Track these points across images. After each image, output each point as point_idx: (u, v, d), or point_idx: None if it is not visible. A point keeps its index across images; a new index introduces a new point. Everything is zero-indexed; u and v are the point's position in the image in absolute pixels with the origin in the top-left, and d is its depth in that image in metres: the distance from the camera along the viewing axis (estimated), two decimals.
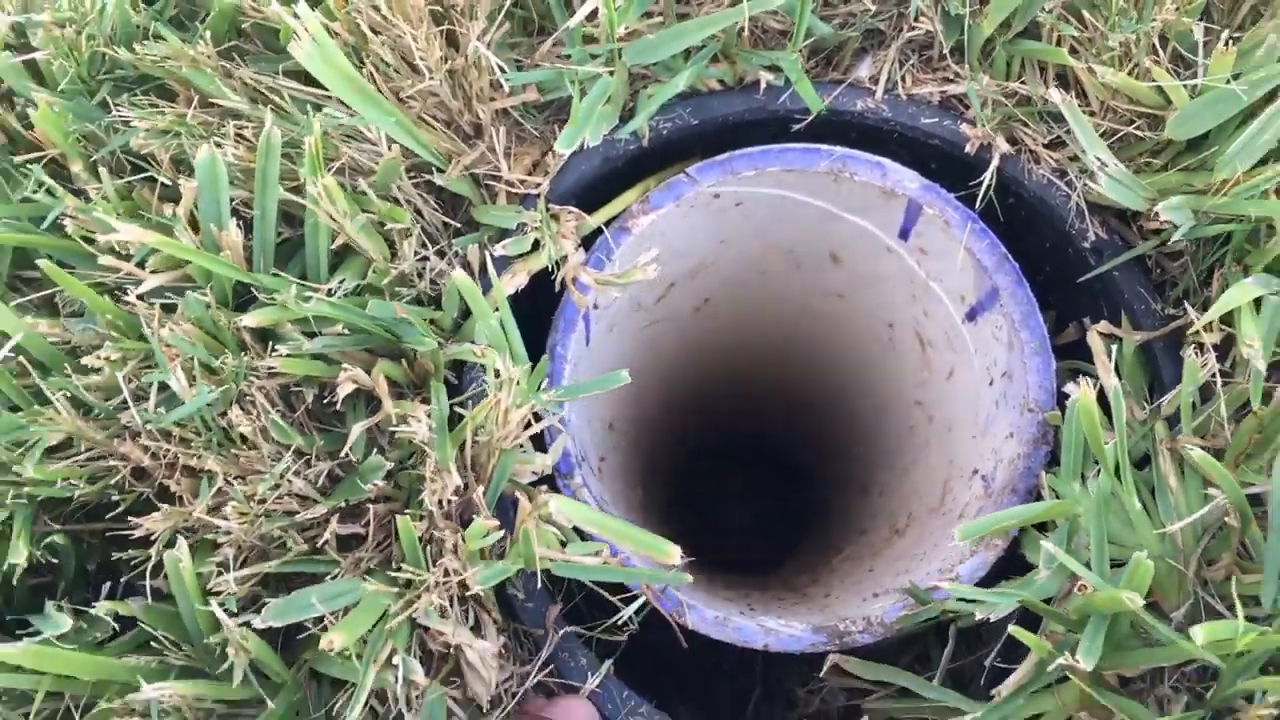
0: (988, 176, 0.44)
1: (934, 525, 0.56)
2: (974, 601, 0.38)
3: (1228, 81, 0.38)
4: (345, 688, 0.35)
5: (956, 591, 0.38)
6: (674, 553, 0.38)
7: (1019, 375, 0.46)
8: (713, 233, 0.55)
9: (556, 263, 0.43)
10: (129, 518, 0.37)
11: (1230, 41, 0.40)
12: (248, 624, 0.34)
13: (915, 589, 0.42)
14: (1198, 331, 0.40)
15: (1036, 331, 0.45)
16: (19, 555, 0.35)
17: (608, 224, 0.46)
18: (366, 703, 0.34)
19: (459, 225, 0.43)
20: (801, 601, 0.58)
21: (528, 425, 0.40)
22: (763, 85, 0.45)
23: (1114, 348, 0.44)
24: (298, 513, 0.35)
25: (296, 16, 0.35)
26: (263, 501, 0.35)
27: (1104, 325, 0.45)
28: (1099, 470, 0.39)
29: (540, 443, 0.43)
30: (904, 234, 0.51)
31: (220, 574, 0.35)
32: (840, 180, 0.47)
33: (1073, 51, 0.41)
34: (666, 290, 0.61)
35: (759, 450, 0.86)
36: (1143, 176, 0.41)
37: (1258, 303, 0.38)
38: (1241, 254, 0.39)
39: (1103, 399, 0.41)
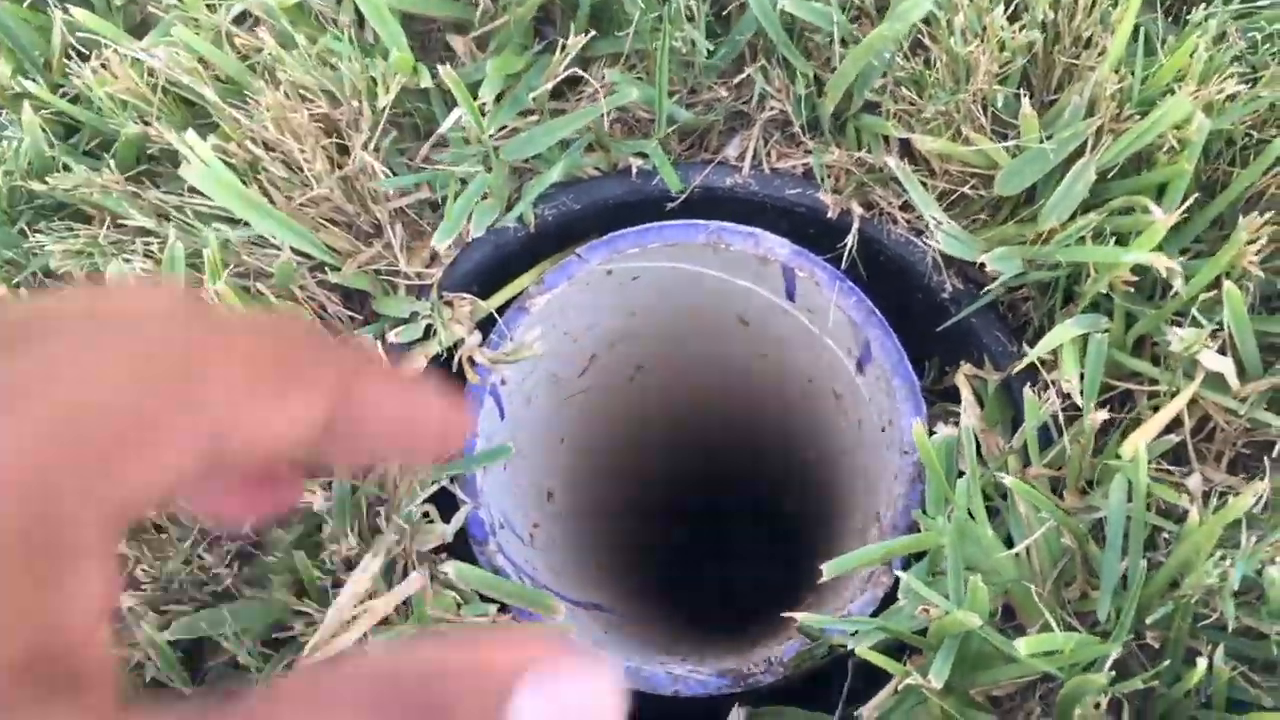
0: (850, 239, 0.48)
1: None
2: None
3: (1040, 141, 0.42)
4: None
5: (819, 623, 0.41)
6: (559, 607, 0.41)
7: (897, 421, 0.49)
8: (619, 306, 0.58)
9: (451, 347, 0.46)
10: None
11: (1043, 105, 0.44)
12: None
13: (805, 625, 0.45)
14: (1040, 369, 0.43)
15: (906, 379, 0.49)
16: None
17: (506, 305, 0.50)
18: None
19: (363, 318, 0.47)
20: (731, 647, 0.60)
21: (431, 499, 0.43)
22: (634, 170, 0.49)
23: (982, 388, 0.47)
24: (208, 584, 0.39)
25: (188, 145, 0.39)
26: (171, 577, 0.38)
27: (968, 368, 0.48)
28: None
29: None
30: (790, 296, 0.54)
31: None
32: (719, 251, 0.51)
33: (906, 123, 0.45)
34: (589, 361, 0.65)
35: (708, 509, 0.88)
36: (978, 232, 0.45)
37: (1086, 340, 0.41)
38: (1070, 296, 0.43)
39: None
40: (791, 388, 0.70)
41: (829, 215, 0.49)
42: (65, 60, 0.45)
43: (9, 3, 0.46)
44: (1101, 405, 0.44)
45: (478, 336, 0.47)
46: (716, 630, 0.65)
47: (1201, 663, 0.34)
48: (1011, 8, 0.43)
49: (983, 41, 0.42)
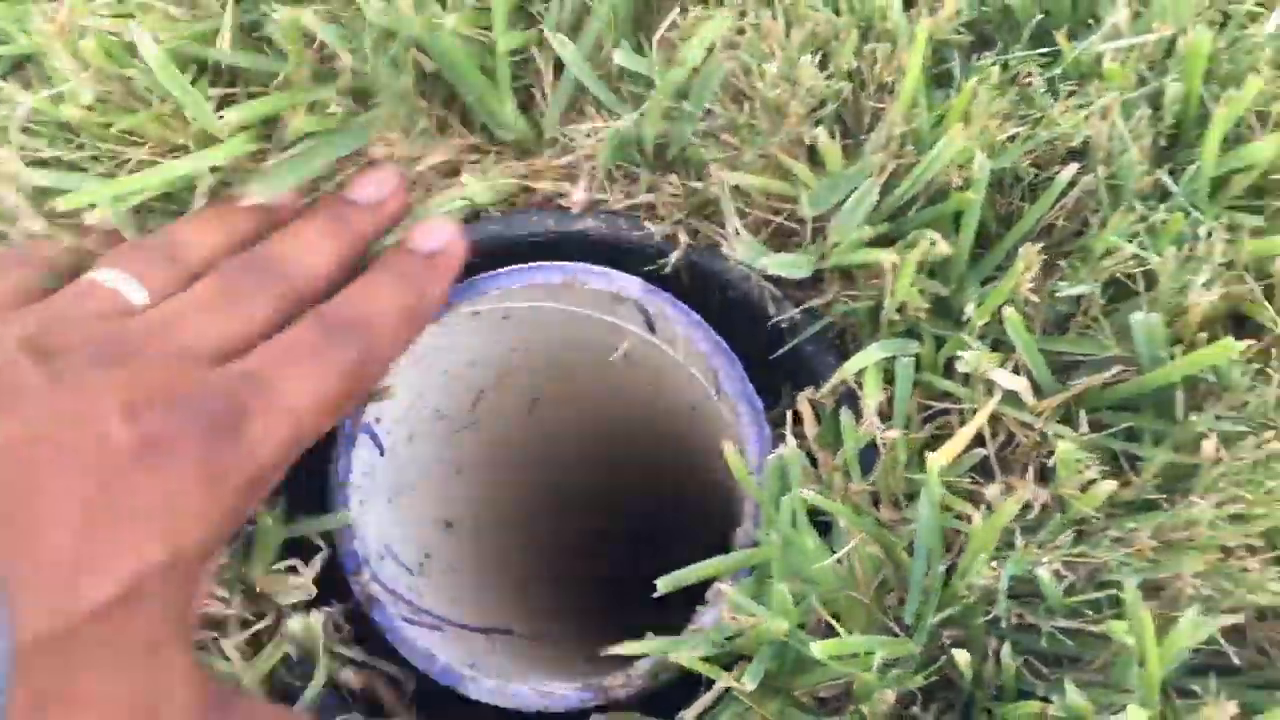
0: (671, 261, 0.52)
1: None
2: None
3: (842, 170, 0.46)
4: None
5: (651, 649, 0.44)
6: None
7: (744, 444, 0.53)
8: (498, 344, 0.62)
9: None
10: None
11: (855, 144, 0.48)
12: None
13: (660, 641, 0.48)
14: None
15: (750, 405, 0.52)
16: None
17: None
18: None
19: None
20: (617, 665, 0.63)
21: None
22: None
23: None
24: None
25: None
26: None
27: (809, 392, 0.51)
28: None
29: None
30: (651, 329, 0.58)
31: None
32: (577, 290, 0.54)
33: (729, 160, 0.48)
34: (478, 397, 0.68)
35: (610, 531, 0.92)
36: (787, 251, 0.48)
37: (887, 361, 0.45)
38: (875, 324, 0.47)
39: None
40: (679, 417, 0.73)
41: (663, 247, 0.52)
42: None
43: None
44: (925, 423, 0.47)
45: None
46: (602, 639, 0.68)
47: (961, 655, 0.38)
48: (820, 56, 0.47)
49: (794, 86, 0.46)
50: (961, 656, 0.38)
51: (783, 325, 0.52)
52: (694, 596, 0.52)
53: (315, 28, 0.47)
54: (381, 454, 0.56)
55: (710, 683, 0.44)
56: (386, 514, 0.58)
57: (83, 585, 0.29)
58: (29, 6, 0.51)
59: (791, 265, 0.46)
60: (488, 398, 0.68)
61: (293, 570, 0.46)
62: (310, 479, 0.50)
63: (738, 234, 0.47)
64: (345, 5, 0.48)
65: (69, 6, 0.46)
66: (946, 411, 0.47)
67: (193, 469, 0.33)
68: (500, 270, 0.54)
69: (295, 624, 0.44)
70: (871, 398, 0.44)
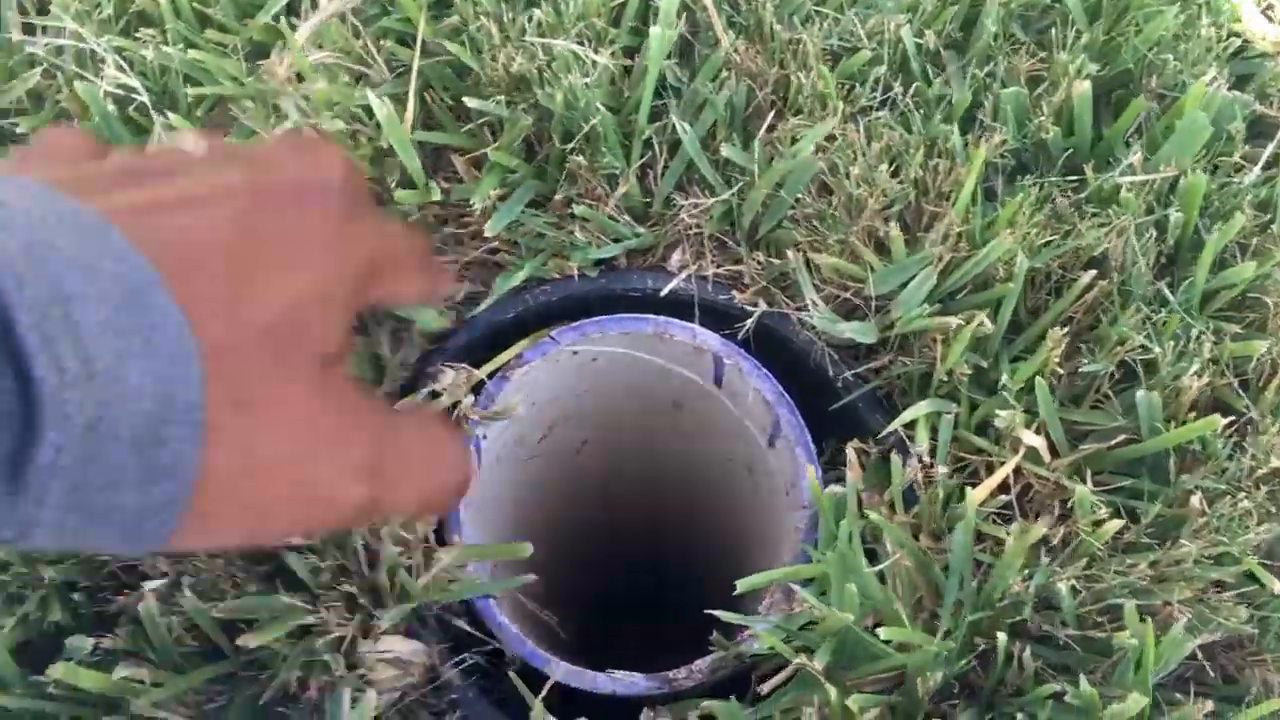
0: (748, 324, 0.61)
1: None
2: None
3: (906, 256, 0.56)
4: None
5: (733, 619, 0.52)
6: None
7: (799, 483, 0.62)
8: (579, 383, 0.71)
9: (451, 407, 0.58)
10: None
11: (914, 239, 0.58)
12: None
13: (719, 638, 0.57)
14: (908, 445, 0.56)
15: (806, 449, 0.62)
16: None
17: (492, 375, 0.62)
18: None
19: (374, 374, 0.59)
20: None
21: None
22: (576, 276, 0.62)
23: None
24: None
25: None
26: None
27: (856, 443, 0.61)
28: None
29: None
30: (718, 381, 0.67)
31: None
32: (664, 340, 0.64)
33: (811, 243, 0.58)
34: (549, 430, 0.77)
35: (644, 564, 1.00)
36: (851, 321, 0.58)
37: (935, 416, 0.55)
38: (925, 380, 0.57)
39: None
40: (714, 466, 0.83)
41: (742, 311, 0.62)
42: None
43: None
44: (955, 473, 0.57)
45: (472, 399, 0.59)
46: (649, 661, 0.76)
47: (1000, 638, 0.47)
48: (895, 165, 0.58)
49: (871, 187, 0.56)
50: (1000, 639, 0.47)
51: (838, 384, 0.62)
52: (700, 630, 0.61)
53: (475, 104, 0.58)
54: (478, 467, 0.65)
55: (767, 677, 0.53)
56: (469, 522, 0.66)
57: (244, 306, 0.33)
58: (235, 61, 0.60)
59: (862, 331, 0.56)
60: (556, 432, 0.77)
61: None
62: None
63: (815, 305, 0.57)
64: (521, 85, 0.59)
65: (290, 57, 0.56)
66: (974, 462, 0.57)
67: (330, 221, 0.37)
68: (604, 317, 0.63)
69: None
70: (923, 442, 0.53)
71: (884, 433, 0.57)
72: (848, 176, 0.57)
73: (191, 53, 0.58)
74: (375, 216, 0.43)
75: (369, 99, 0.56)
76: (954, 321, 0.53)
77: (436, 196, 0.57)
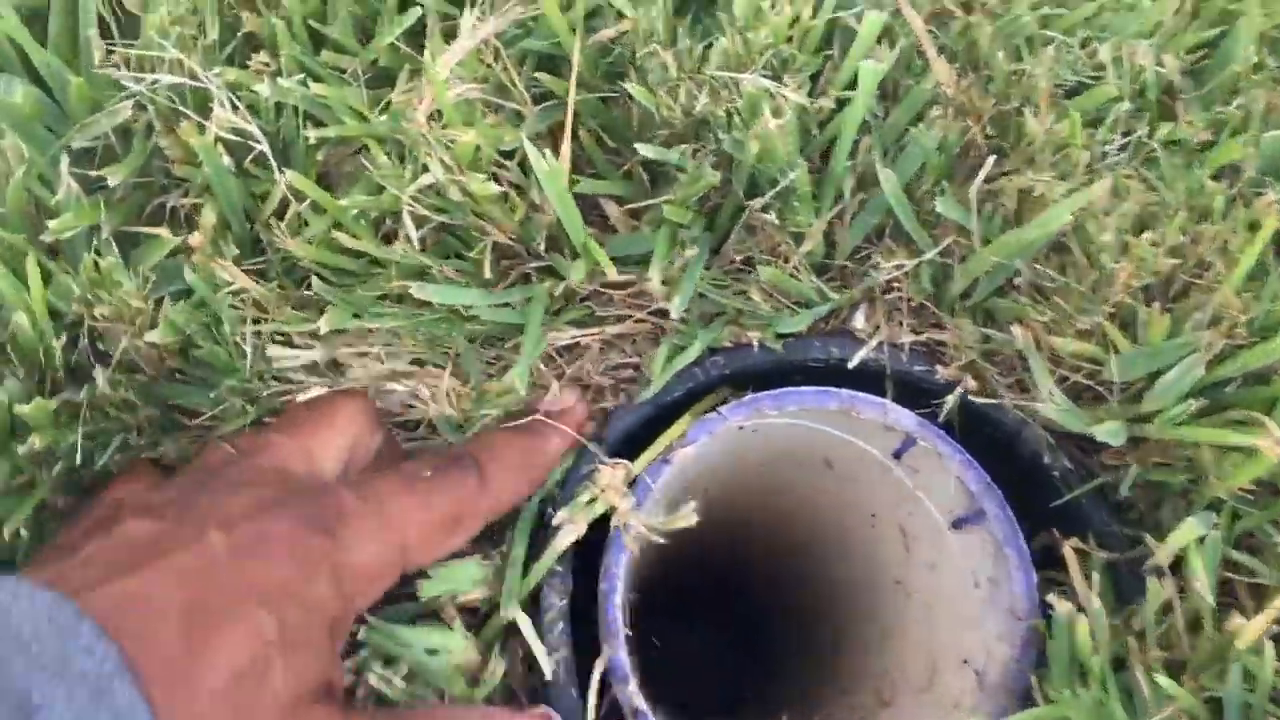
0: (951, 402, 0.52)
1: (924, 704, 0.63)
2: None
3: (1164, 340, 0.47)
4: None
5: None
6: None
7: (1004, 586, 0.54)
8: (726, 450, 0.62)
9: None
10: None
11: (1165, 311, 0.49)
12: None
13: None
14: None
15: (1019, 550, 0.53)
16: None
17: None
18: None
19: None
20: None
21: None
22: (756, 345, 0.53)
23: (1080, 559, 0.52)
24: None
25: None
26: None
27: (1075, 542, 0.52)
28: (1085, 677, 0.46)
29: None
30: (898, 455, 0.59)
31: None
32: (849, 416, 0.55)
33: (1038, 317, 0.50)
34: (683, 493, 0.68)
35: (754, 615, 0.92)
36: (1084, 409, 0.49)
37: (1201, 539, 0.46)
38: (1185, 489, 0.48)
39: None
40: (850, 518, 0.74)
41: (938, 385, 0.54)
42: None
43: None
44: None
45: (631, 499, 0.51)
46: None
47: None
48: (1145, 226, 0.49)
49: (1126, 256, 0.47)
50: None
51: (1053, 472, 0.53)
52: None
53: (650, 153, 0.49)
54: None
55: None
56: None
57: (200, 670, 0.34)
58: (357, 90, 0.51)
59: (1112, 434, 0.47)
60: (692, 492, 0.68)
61: None
62: None
63: (1052, 395, 0.48)
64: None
65: (430, 94, 0.47)
66: (1228, 581, 0.48)
67: (286, 552, 0.38)
68: (781, 391, 0.54)
69: None
70: (1200, 578, 0.45)
71: (1156, 558, 0.48)
72: (1092, 243, 0.48)
73: (314, 87, 0.49)
74: (424, 465, 0.45)
75: (525, 148, 0.47)
76: (1244, 441, 0.44)
77: (613, 275, 0.48)
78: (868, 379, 0.55)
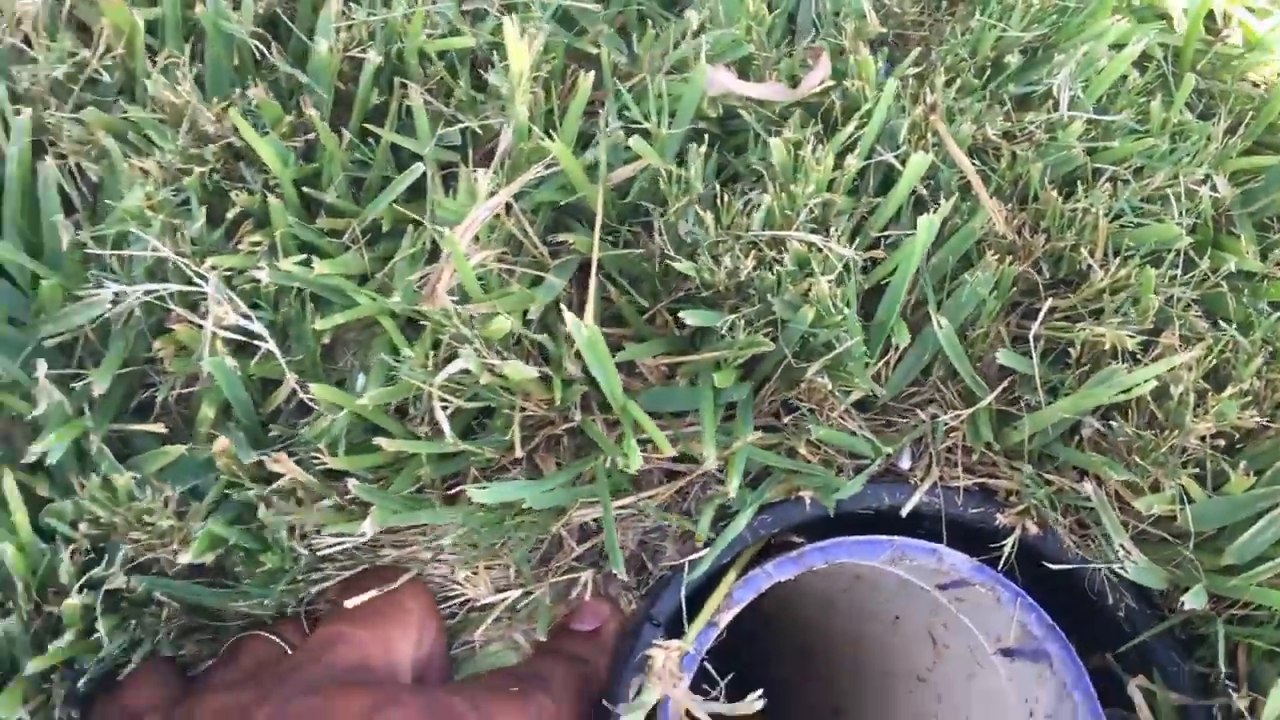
0: (1009, 548, 0.50)
1: None
2: None
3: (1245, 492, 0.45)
4: None
5: None
6: None
7: None
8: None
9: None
10: None
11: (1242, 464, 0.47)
12: None
13: None
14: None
15: (1086, 692, 0.51)
16: None
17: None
18: None
19: None
20: None
21: None
22: (807, 502, 0.50)
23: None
24: None
25: None
26: None
27: (1141, 680, 0.51)
28: None
29: None
30: (942, 588, 0.57)
31: None
32: (898, 563, 0.52)
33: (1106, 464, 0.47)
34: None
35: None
36: (1150, 553, 0.47)
37: None
38: (1273, 652, 0.46)
39: None
40: (872, 618, 0.72)
41: (999, 527, 0.51)
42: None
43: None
44: None
45: (686, 680, 0.48)
46: None
47: None
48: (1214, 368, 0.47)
49: (1203, 410, 0.45)
50: None
51: (1117, 612, 0.51)
52: None
53: (696, 320, 0.45)
54: None
55: None
56: None
57: None
58: (358, 257, 0.47)
59: (1197, 599, 0.45)
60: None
61: None
62: None
63: (1128, 554, 0.46)
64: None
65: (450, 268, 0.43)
66: None
67: None
68: (830, 543, 0.51)
69: None
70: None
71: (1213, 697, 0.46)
72: (1170, 399, 0.45)
73: (317, 266, 0.44)
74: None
75: (567, 320, 0.43)
76: None
77: (668, 450, 0.44)
78: (917, 518, 0.53)
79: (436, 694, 0.41)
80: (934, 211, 0.45)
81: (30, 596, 0.42)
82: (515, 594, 0.50)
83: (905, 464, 0.52)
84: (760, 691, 0.48)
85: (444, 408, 0.44)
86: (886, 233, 0.49)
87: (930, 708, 0.68)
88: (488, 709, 0.42)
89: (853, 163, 0.46)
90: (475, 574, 0.49)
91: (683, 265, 0.44)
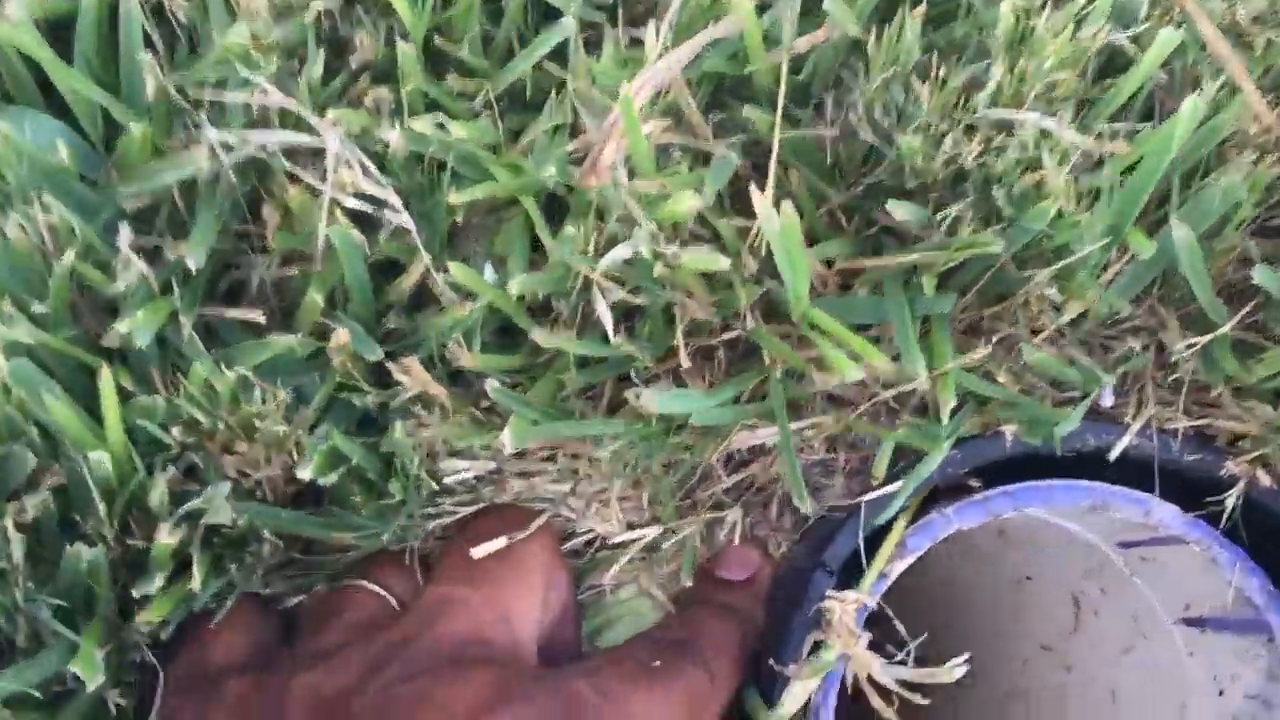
0: (1235, 501, 0.43)
1: None
2: None
3: None
4: None
5: None
6: None
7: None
8: None
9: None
10: None
11: None
12: None
13: None
14: None
15: None
16: None
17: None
18: None
19: None
20: None
21: None
22: (1008, 438, 0.43)
23: None
24: None
25: None
26: None
27: None
28: None
29: None
30: (1127, 545, 0.50)
31: None
32: (1097, 512, 0.45)
33: None
34: None
35: None
36: None
37: None
38: None
39: None
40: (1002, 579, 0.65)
41: (1220, 477, 0.44)
42: None
43: None
44: None
45: (865, 640, 0.41)
46: None
47: None
48: None
49: None
50: None
51: None
52: None
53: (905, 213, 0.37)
54: None
55: None
56: None
57: None
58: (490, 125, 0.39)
59: None
60: None
61: None
62: None
63: None
64: None
65: None
66: None
67: None
68: (1020, 486, 0.44)
69: None
70: None
71: None
72: None
73: (453, 129, 0.37)
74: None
75: (756, 204, 0.36)
76: None
77: (881, 360, 0.37)
78: (1104, 464, 0.45)
79: (561, 679, 0.36)
80: (1199, 94, 0.37)
81: (112, 524, 0.35)
82: (652, 532, 0.43)
83: (1107, 401, 0.45)
84: (965, 658, 0.41)
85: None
86: (1114, 124, 0.41)
87: (1052, 679, 0.62)
88: (621, 696, 0.36)
89: (1095, 34, 0.39)
90: (606, 506, 0.43)
91: (903, 143, 0.37)
